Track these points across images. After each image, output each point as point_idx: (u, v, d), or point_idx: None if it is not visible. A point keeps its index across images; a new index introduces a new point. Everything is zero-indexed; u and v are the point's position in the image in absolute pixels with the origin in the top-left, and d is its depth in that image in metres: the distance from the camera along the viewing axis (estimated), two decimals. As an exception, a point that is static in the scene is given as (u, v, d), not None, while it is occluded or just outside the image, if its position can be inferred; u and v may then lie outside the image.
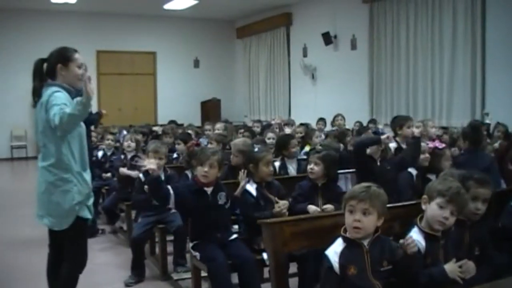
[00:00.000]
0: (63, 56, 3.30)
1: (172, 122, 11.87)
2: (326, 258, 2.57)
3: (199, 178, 3.87)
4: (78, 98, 3.04)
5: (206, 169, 3.81)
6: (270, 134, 6.82)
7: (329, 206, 3.90)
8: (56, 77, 3.28)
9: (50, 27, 13.91)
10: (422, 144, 4.76)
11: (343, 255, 2.54)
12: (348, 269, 2.50)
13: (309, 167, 4.12)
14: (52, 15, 14.32)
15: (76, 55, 3.34)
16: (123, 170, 6.01)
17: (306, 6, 13.90)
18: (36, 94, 3.27)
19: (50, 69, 3.29)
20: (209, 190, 3.88)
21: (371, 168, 4.58)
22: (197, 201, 3.85)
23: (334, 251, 2.57)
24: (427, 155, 4.64)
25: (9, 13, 13.91)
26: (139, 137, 6.94)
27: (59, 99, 3.11)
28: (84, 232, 3.44)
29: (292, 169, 5.40)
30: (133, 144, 6.24)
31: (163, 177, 4.80)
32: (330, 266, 2.53)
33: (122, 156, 6.26)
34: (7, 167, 13.96)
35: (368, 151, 4.66)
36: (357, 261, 2.52)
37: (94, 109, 6.01)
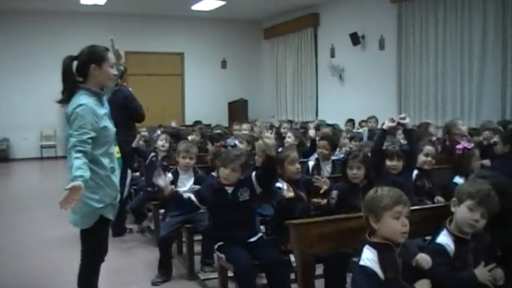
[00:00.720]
0: (96, 56, 3.24)
1: (197, 122, 11.93)
2: (365, 268, 2.49)
3: (221, 179, 3.91)
4: (76, 173, 2.90)
5: (227, 172, 3.86)
6: (289, 133, 6.82)
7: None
8: (88, 77, 3.23)
9: (79, 28, 14.01)
10: (429, 147, 4.60)
11: (381, 261, 2.50)
12: (387, 273, 2.48)
13: (351, 172, 4.04)
14: (81, 17, 14.47)
15: (109, 54, 3.30)
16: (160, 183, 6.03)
17: (333, 7, 13.84)
18: (66, 93, 3.21)
19: (82, 68, 3.23)
20: (229, 189, 3.90)
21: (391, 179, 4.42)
22: (217, 200, 3.90)
23: (371, 259, 2.51)
24: (429, 158, 4.51)
25: (39, 14, 14.14)
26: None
27: (81, 119, 3.05)
28: (105, 232, 3.41)
29: (325, 171, 5.35)
30: (167, 145, 6.26)
31: (192, 179, 5.00)
32: (375, 273, 2.48)
33: (153, 154, 6.26)
34: (37, 166, 14.20)
35: (395, 172, 4.31)
36: (391, 265, 2.51)
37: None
